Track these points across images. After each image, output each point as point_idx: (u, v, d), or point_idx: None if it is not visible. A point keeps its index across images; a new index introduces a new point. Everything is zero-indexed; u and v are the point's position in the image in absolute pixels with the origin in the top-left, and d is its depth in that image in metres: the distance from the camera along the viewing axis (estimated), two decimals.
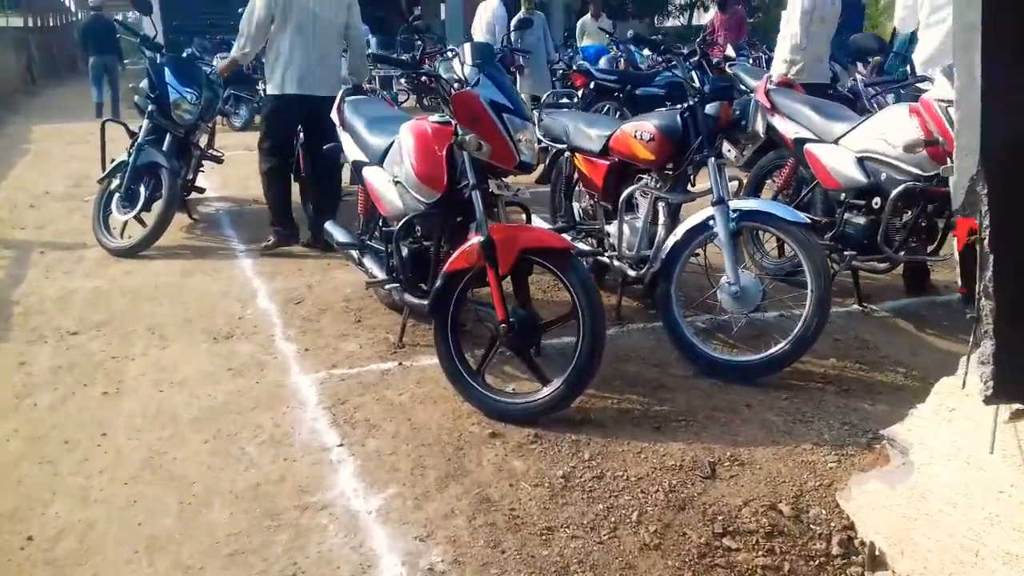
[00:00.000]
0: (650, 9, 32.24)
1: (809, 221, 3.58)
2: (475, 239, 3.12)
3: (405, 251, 3.61)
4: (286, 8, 5.02)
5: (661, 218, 3.74)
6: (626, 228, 3.84)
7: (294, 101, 5.16)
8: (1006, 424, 2.01)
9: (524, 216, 3.60)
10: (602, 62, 10.12)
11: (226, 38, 10.13)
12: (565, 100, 5.85)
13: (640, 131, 3.67)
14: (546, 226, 4.38)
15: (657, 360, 3.70)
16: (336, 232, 4.33)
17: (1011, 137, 1.68)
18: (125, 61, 14.35)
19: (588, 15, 12.16)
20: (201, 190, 6.57)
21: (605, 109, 9.18)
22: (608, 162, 3.95)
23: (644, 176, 3.84)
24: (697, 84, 3.53)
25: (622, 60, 10.63)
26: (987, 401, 1.90)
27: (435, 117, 3.46)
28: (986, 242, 1.76)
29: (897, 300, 4.42)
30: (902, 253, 3.87)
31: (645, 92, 9.22)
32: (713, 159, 3.44)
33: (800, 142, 4.27)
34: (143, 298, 4.63)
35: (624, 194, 3.79)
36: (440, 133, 3.35)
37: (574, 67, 10.42)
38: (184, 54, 12.21)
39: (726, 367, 3.46)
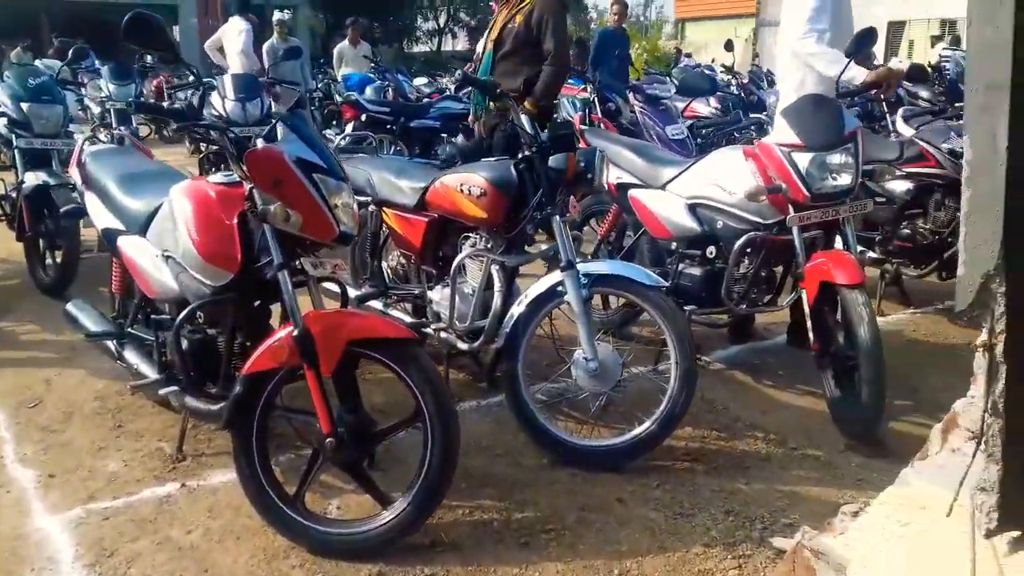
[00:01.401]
0: (399, 35, 32.15)
1: (667, 284, 3.23)
2: (285, 331, 2.44)
3: (186, 344, 2.82)
4: None
5: (496, 283, 3.24)
6: (457, 296, 3.30)
7: None
8: (987, 550, 1.70)
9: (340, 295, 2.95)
10: (369, 92, 9.53)
11: None
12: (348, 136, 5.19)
13: (467, 184, 3.16)
14: (352, 291, 3.74)
15: (504, 448, 3.18)
16: (83, 316, 3.42)
17: None
18: None
19: (346, 41, 11.50)
20: None
21: (378, 142, 8.62)
22: (426, 219, 3.39)
23: (471, 234, 3.32)
24: (531, 131, 3.07)
25: (390, 90, 10.10)
26: (988, 534, 1.57)
27: (218, 177, 2.73)
28: (998, 349, 1.42)
29: (726, 349, 4.23)
30: (743, 305, 3.64)
31: (420, 124, 8.78)
32: (558, 217, 3.00)
33: (623, 187, 3.96)
34: None
35: (457, 261, 3.24)
36: (228, 198, 2.63)
37: (338, 97, 9.76)
38: None
39: (587, 454, 3.02)
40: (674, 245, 3.80)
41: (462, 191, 3.16)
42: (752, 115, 3.61)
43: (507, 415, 3.20)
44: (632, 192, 3.91)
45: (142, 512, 2.77)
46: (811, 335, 3.29)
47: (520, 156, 3.09)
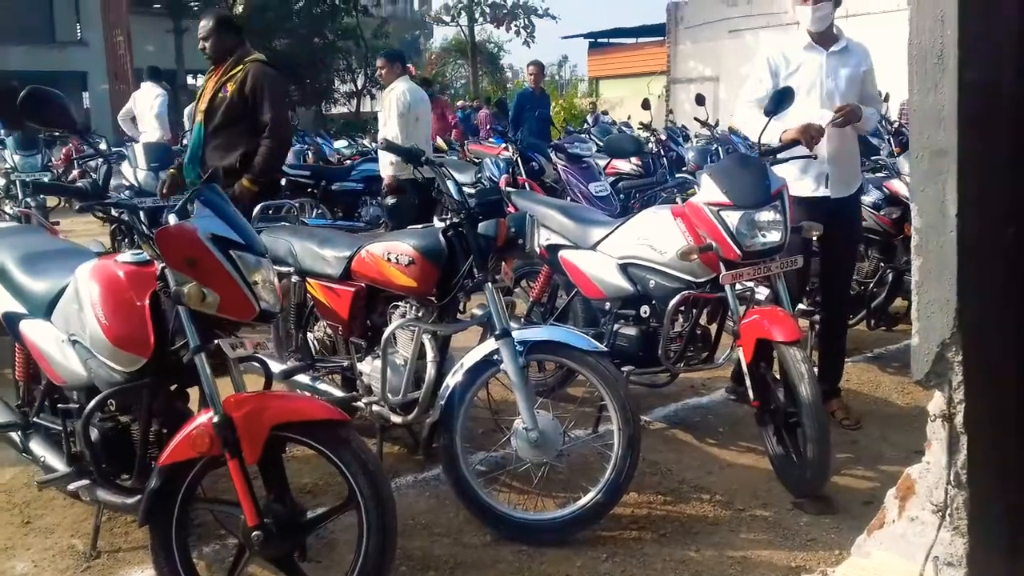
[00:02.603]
0: (317, 97, 32.04)
1: (605, 348, 3.16)
2: (204, 418, 2.27)
3: (96, 434, 2.61)
4: None
5: (429, 353, 3.11)
6: (388, 368, 3.16)
7: None
8: None
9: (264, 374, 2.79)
10: (289, 156, 9.39)
11: None
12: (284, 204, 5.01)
13: (395, 253, 3.05)
14: (277, 365, 3.57)
15: (443, 526, 3.03)
16: None
17: (996, 290, 1.29)
18: None
19: None
20: None
21: (298, 207, 8.45)
22: (352, 289, 3.26)
23: (400, 304, 3.21)
24: (457, 197, 2.99)
25: (310, 153, 9.99)
26: None
27: (127, 256, 2.56)
28: (958, 420, 1.37)
29: (665, 407, 4.17)
30: (680, 364, 3.59)
31: (342, 187, 8.69)
32: (490, 284, 2.91)
33: (554, 248, 3.90)
34: None
35: (387, 332, 3.11)
36: (138, 278, 2.46)
37: None
38: None
39: (531, 528, 2.90)
40: (608, 305, 3.74)
41: (389, 260, 3.06)
42: (678, 174, 3.60)
43: (446, 490, 3.06)
44: (563, 253, 3.86)
45: None
46: (750, 392, 3.25)
47: (448, 223, 3.00)
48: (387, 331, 3.11)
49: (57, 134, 8.77)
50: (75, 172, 11.01)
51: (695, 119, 8.47)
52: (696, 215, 3.35)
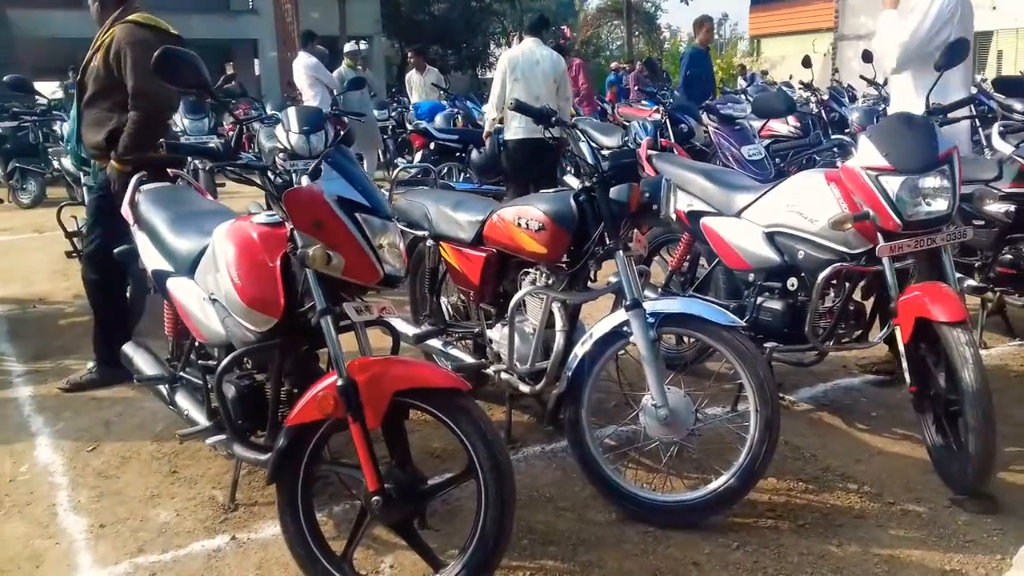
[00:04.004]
0: (472, 62, 32.39)
1: (744, 323, 2.97)
2: (329, 380, 2.28)
3: (231, 391, 2.69)
4: None
5: (558, 322, 3.03)
6: (516, 335, 3.11)
7: None
8: None
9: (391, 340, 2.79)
10: (439, 120, 9.49)
11: (8, 107, 8.78)
12: (418, 167, 5.08)
13: (525, 218, 2.96)
14: (410, 329, 3.59)
15: (569, 501, 2.96)
16: (137, 358, 3.34)
17: None
18: None
19: (414, 71, 11.51)
20: None
21: (447, 170, 8.54)
22: (484, 254, 3.21)
23: (531, 270, 3.13)
24: (591, 160, 2.86)
25: (460, 117, 10.04)
26: None
27: (262, 217, 2.60)
28: None
29: (813, 387, 3.92)
30: (830, 342, 3.34)
31: None
32: (621, 252, 2.77)
33: (695, 215, 3.71)
34: None
35: (515, 298, 3.05)
36: (270, 239, 2.49)
37: (408, 126, 9.75)
38: None
39: (659, 509, 2.78)
40: (752, 277, 3.52)
41: (520, 225, 2.98)
42: (834, 136, 3.30)
43: (573, 463, 2.98)
44: (705, 220, 3.66)
45: (189, 568, 2.65)
46: (907, 376, 2.97)
47: (580, 187, 2.88)
48: (515, 297, 3.05)
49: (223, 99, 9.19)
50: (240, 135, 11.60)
51: (860, 77, 7.87)
52: (852, 180, 3.07)
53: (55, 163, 7.89)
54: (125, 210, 3.29)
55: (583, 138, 2.92)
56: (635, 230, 2.86)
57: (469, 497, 2.79)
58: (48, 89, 20.22)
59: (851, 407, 3.71)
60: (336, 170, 2.36)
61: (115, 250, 3.39)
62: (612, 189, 2.77)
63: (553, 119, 2.89)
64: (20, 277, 6.56)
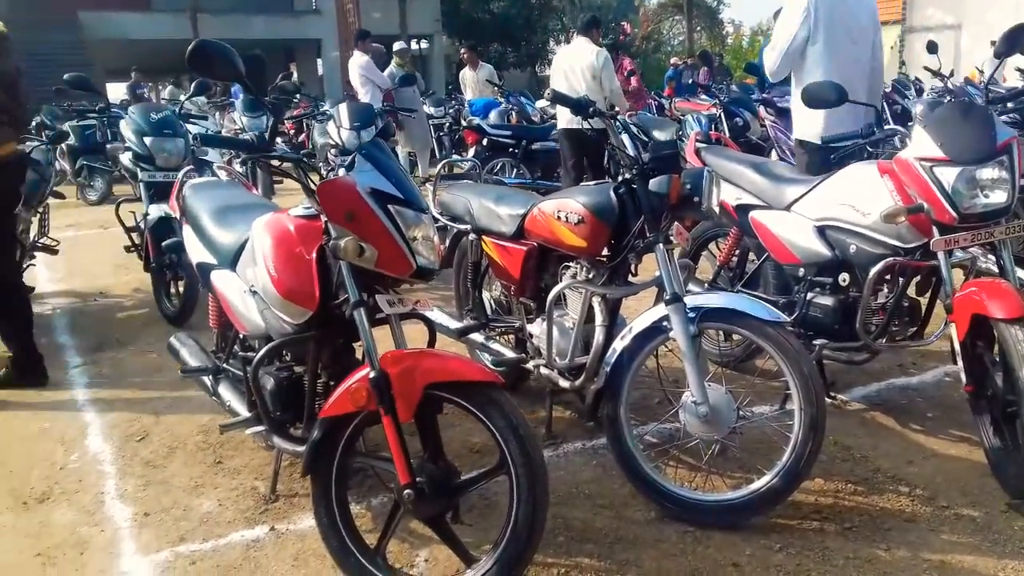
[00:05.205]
0: (531, 59, 32.38)
1: (789, 320, 2.88)
2: (362, 373, 2.27)
3: (270, 383, 2.71)
4: None
5: (598, 317, 2.98)
6: (555, 330, 3.07)
7: None
8: None
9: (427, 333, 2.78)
10: (492, 116, 9.50)
11: (76, 106, 9.05)
12: (468, 161, 5.08)
13: (564, 211, 2.92)
14: (453, 323, 3.57)
15: (607, 498, 2.91)
16: (184, 350, 3.40)
17: None
18: None
19: (467, 67, 11.54)
20: (29, 290, 5.44)
21: (500, 166, 8.54)
22: (524, 248, 3.18)
23: (571, 264, 3.08)
24: (631, 152, 2.80)
25: (514, 113, 10.04)
26: None
27: (299, 209, 2.62)
28: None
29: (866, 386, 3.79)
30: (882, 340, 3.22)
31: (543, 147, 8.67)
32: (662, 245, 2.71)
33: (744, 209, 3.61)
34: None
35: (553, 292, 3.01)
36: (306, 232, 2.50)
37: (463, 123, 9.77)
38: (34, 122, 11.08)
39: (699, 508, 2.71)
40: (802, 272, 3.42)
41: (560, 218, 2.93)
42: (887, 127, 3.16)
43: (613, 460, 2.92)
44: (753, 214, 3.56)
45: (228, 558, 2.67)
46: (963, 375, 2.85)
47: (619, 180, 2.83)
48: (553, 292, 3.01)
49: (281, 98, 9.33)
50: (302, 135, 11.78)
51: (925, 68, 7.61)
52: (906, 172, 2.95)
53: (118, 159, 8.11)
54: (172, 203, 3.34)
55: (623, 128, 2.87)
56: (677, 223, 2.79)
57: (505, 493, 2.77)
58: (120, 91, 20.86)
59: (906, 407, 3.58)
60: (370, 162, 2.35)
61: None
62: (652, 181, 2.71)
63: (591, 109, 2.83)
64: (84, 271, 6.75)
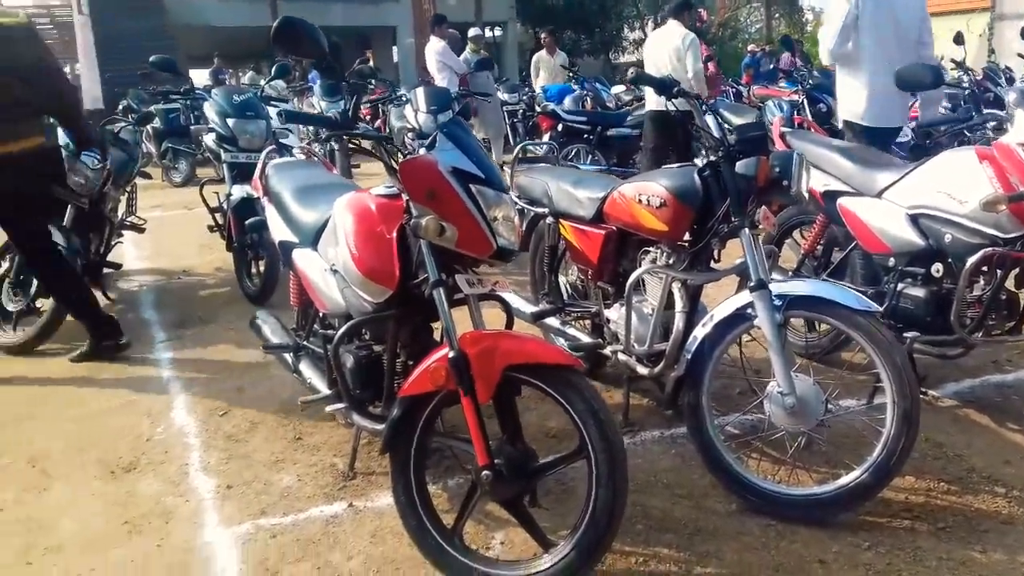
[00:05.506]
0: (605, 46, 32.02)
1: (881, 309, 2.77)
2: (441, 353, 2.26)
3: (350, 361, 2.73)
4: None
5: (678, 303, 2.92)
6: (634, 315, 3.01)
7: None
8: None
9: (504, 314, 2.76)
10: (567, 102, 9.44)
11: (161, 89, 9.29)
12: (544, 145, 5.06)
13: (646, 194, 2.86)
14: (528, 307, 3.55)
15: (686, 488, 2.85)
16: (266, 327, 3.45)
17: None
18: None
19: (543, 51, 11.46)
20: (117, 266, 5.63)
21: (575, 152, 8.48)
22: (603, 231, 3.13)
23: (651, 249, 3.02)
24: (716, 133, 2.72)
25: (589, 99, 9.94)
26: None
27: (380, 188, 2.62)
28: None
29: (959, 382, 3.64)
30: (978, 333, 3.08)
31: (618, 133, 8.57)
32: (747, 230, 2.63)
33: (831, 195, 3.50)
34: (29, 414, 3.69)
35: (633, 277, 2.96)
36: (388, 211, 2.50)
37: (537, 108, 9.73)
38: (120, 106, 11.44)
39: (783, 502, 2.63)
40: (892, 262, 3.29)
41: (641, 202, 2.88)
42: (986, 111, 3.02)
43: (692, 449, 2.87)
44: (842, 201, 3.44)
45: (308, 532, 2.71)
46: None
47: (704, 162, 2.75)
48: (633, 276, 2.95)
49: (358, 82, 9.42)
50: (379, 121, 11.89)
51: (1019, 55, 7.27)
52: (1007, 158, 2.81)
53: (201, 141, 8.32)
54: (255, 183, 3.39)
55: (708, 110, 2.79)
56: (763, 207, 2.71)
57: (584, 478, 2.73)
58: (202, 77, 21.37)
59: (1000, 405, 3.42)
60: (451, 141, 2.33)
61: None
62: (739, 163, 2.63)
63: (675, 89, 2.76)
64: (169, 251, 6.94)
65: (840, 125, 4.74)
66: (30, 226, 4.19)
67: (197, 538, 2.71)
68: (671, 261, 2.92)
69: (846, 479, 2.56)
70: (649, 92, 6.73)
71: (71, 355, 4.36)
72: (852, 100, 4.62)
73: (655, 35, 7.16)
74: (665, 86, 2.76)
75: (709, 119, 2.75)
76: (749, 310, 2.60)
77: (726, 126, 2.74)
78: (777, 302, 2.55)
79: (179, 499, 2.95)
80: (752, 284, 2.57)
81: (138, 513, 2.86)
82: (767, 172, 2.63)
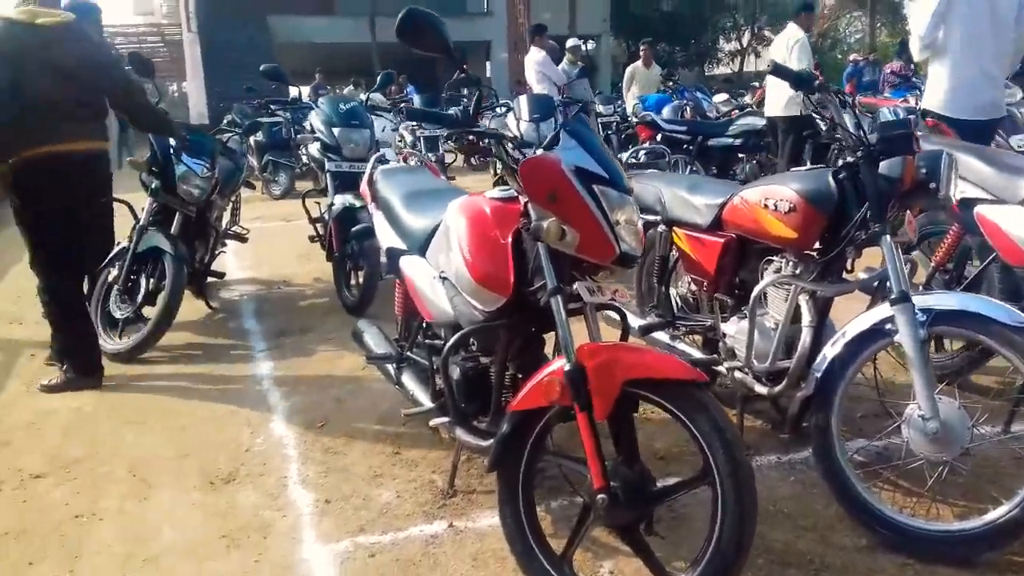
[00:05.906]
0: (700, 58, 31.62)
1: None
2: (556, 365, 2.13)
3: (456, 374, 2.63)
4: None
5: (805, 316, 2.72)
6: (755, 330, 2.83)
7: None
8: None
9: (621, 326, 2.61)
10: (666, 111, 9.23)
11: (266, 99, 9.54)
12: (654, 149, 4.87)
13: (773, 198, 2.68)
14: (636, 320, 3.38)
15: (811, 519, 2.64)
16: (368, 337, 3.39)
17: None
18: None
19: (639, 63, 11.29)
20: (220, 275, 5.71)
21: (674, 163, 8.26)
22: (722, 240, 2.95)
23: (775, 258, 2.83)
24: (854, 131, 2.52)
25: (688, 109, 9.71)
26: None
27: (495, 192, 2.51)
28: None
29: None
30: None
31: (718, 143, 8.32)
32: (888, 237, 2.42)
33: (967, 203, 3.23)
34: (131, 422, 3.71)
35: (757, 289, 2.77)
36: (503, 215, 2.39)
37: (634, 119, 9.55)
38: (225, 120, 11.78)
39: (922, 539, 2.39)
40: None
41: (767, 207, 2.69)
42: None
43: (815, 477, 2.67)
44: (979, 209, 3.17)
45: (407, 552, 2.60)
46: None
47: (841, 163, 2.55)
48: (757, 288, 2.77)
49: (455, 94, 9.46)
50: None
51: None
52: None
53: (303, 151, 8.44)
54: (364, 189, 3.35)
55: (847, 107, 2.59)
56: (908, 212, 2.49)
57: (696, 505, 2.57)
58: (305, 93, 21.98)
59: None
60: (574, 139, 2.21)
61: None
62: (883, 163, 2.42)
63: (815, 84, 2.56)
64: (269, 261, 7.04)
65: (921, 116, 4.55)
66: (95, 235, 4.17)
67: (295, 554, 2.63)
68: (798, 271, 2.72)
69: (993, 514, 2.31)
70: (772, 98, 6.91)
71: (42, 383, 4.14)
72: (936, 88, 4.54)
73: (777, 37, 7.54)
74: (803, 80, 2.57)
75: (847, 117, 2.55)
76: (888, 325, 2.38)
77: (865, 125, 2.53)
78: (921, 317, 2.33)
79: (277, 513, 2.89)
80: (894, 296, 2.36)
81: (236, 526, 2.81)
82: (913, 173, 2.41)
